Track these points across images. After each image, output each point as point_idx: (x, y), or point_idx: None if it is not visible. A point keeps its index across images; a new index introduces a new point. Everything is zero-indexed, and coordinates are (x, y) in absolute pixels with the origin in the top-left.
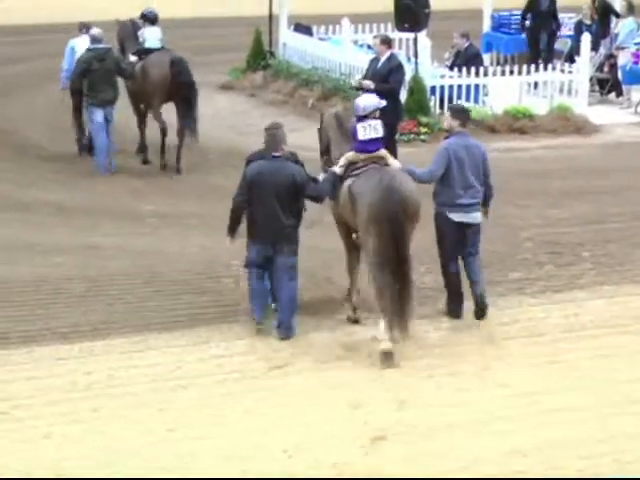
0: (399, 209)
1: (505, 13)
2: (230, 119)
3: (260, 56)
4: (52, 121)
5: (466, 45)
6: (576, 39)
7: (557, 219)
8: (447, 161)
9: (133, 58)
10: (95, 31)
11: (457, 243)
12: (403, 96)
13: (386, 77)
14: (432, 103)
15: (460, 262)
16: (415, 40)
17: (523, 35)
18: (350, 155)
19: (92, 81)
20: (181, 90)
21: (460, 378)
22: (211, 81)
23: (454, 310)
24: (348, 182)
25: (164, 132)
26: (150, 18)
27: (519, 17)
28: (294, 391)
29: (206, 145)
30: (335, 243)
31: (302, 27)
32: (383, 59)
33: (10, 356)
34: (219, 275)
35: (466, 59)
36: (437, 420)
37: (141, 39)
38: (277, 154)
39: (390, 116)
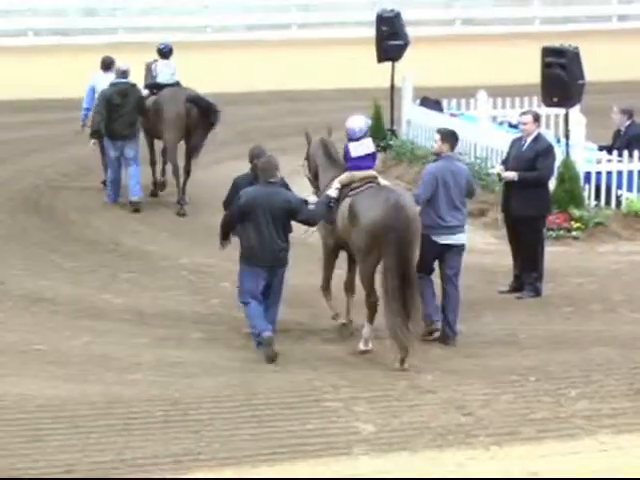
0: (407, 227)
1: None
2: None
3: (379, 135)
4: (123, 212)
5: (627, 123)
6: None
7: None
8: (434, 187)
9: (145, 92)
10: (121, 65)
11: (434, 263)
12: (552, 184)
13: (532, 162)
14: (586, 193)
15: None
16: (566, 117)
17: None
18: (344, 177)
19: (111, 115)
20: (202, 124)
21: None
22: None
23: None
24: (348, 201)
25: (175, 172)
26: (163, 52)
27: None
28: None
29: (310, 242)
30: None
31: (430, 101)
32: (529, 140)
33: None
34: (325, 398)
35: (628, 140)
36: None
37: (154, 73)
38: (272, 180)
39: (537, 208)
